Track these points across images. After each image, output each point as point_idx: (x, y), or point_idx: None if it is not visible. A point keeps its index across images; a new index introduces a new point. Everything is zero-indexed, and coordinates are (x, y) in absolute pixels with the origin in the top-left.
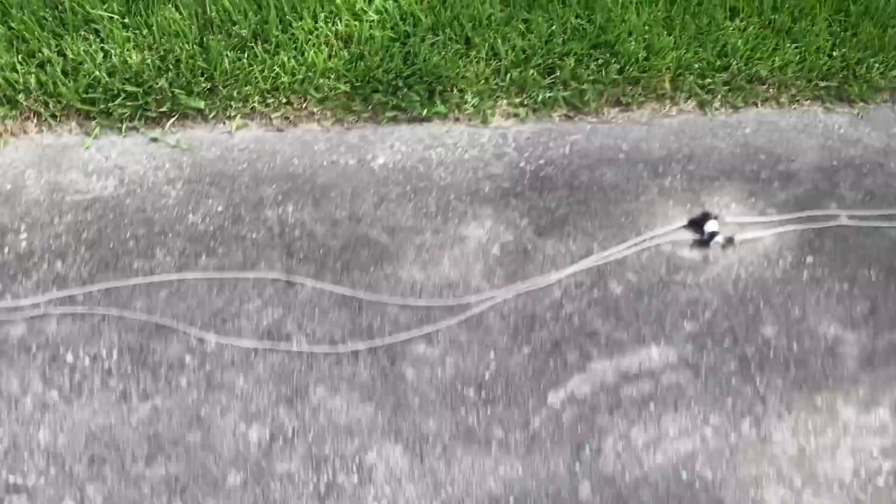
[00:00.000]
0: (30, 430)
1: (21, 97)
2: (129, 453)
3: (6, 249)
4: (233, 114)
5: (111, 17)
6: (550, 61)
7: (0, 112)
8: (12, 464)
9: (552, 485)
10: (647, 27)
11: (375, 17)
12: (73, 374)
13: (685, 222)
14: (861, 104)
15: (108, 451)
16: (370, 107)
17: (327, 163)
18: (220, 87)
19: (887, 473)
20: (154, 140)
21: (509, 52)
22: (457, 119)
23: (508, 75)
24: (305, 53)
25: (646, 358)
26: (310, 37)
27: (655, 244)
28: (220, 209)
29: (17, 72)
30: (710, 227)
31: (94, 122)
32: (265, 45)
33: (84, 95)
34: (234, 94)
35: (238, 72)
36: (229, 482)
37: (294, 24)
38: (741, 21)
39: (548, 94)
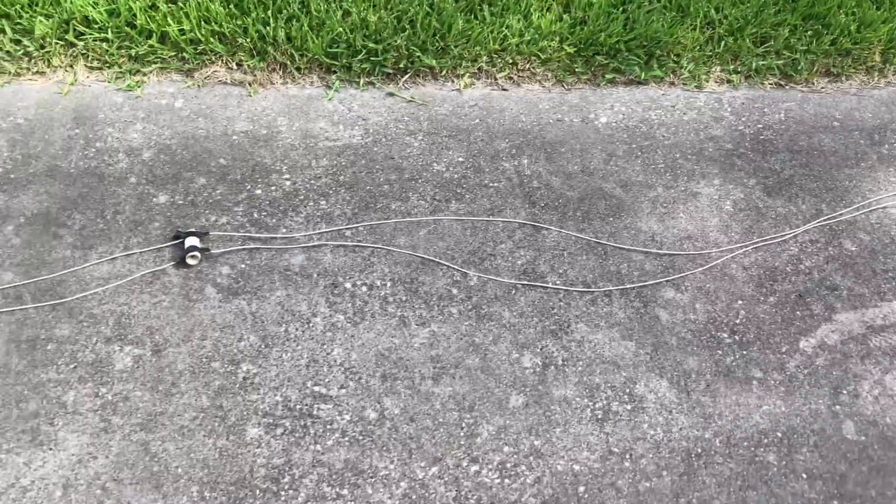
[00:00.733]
0: (324, 348)
1: (270, 49)
2: (416, 372)
3: (273, 188)
4: (461, 72)
5: None
6: (764, 30)
7: (252, 62)
8: (315, 376)
9: (816, 423)
10: (854, 0)
11: None
12: (353, 300)
13: None
14: None
15: (397, 369)
16: (591, 69)
17: (553, 121)
18: (452, 47)
19: None
20: (391, 95)
21: (723, 20)
22: (671, 83)
23: (723, 43)
24: (531, 16)
25: (889, 312)
26: (533, 1)
27: (883, 207)
28: (460, 159)
29: (268, 25)
30: None
31: (333, 76)
32: (492, 7)
33: (328, 50)
34: (465, 53)
35: (469, 32)
36: (512, 403)
37: None
38: None
39: (761, 62)
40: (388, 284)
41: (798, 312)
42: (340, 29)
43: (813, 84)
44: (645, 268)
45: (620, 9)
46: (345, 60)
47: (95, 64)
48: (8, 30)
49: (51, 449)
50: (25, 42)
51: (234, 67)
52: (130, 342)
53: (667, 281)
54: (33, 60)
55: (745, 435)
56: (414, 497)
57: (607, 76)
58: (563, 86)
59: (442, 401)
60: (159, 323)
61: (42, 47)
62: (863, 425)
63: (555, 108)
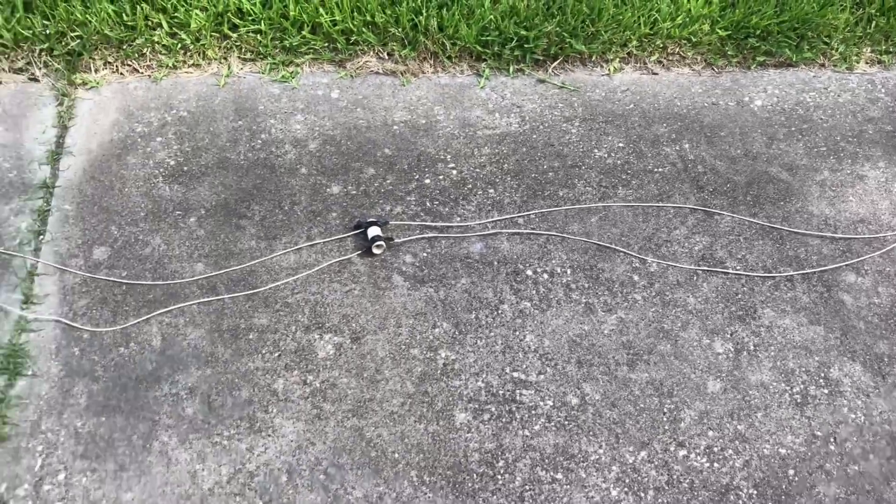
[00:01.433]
0: (516, 334)
1: (422, 38)
2: (610, 358)
3: (441, 177)
4: (610, 57)
5: None
6: None
7: (403, 52)
8: (512, 362)
9: None
10: None
11: None
12: (537, 287)
13: None
14: None
15: (591, 355)
16: (741, 52)
17: (708, 104)
18: (603, 32)
19: None
20: (541, 81)
21: (873, 0)
22: (822, 65)
23: (873, 23)
24: (680, 0)
25: None
26: None
27: None
28: (620, 145)
29: (420, 14)
30: None
31: (483, 64)
32: None
33: (480, 38)
34: (615, 38)
35: (619, 17)
36: (710, 388)
37: None
38: None
39: None
40: (569, 272)
41: None
42: (491, 16)
43: None
44: (822, 252)
45: None
46: (496, 48)
47: (248, 56)
48: (165, 24)
49: (269, 435)
50: (182, 35)
51: (386, 57)
52: (329, 330)
53: (846, 265)
54: (189, 53)
55: None
56: (627, 481)
57: (758, 59)
58: (713, 69)
59: (640, 386)
60: (353, 311)
61: (197, 40)
62: None
63: (707, 91)
